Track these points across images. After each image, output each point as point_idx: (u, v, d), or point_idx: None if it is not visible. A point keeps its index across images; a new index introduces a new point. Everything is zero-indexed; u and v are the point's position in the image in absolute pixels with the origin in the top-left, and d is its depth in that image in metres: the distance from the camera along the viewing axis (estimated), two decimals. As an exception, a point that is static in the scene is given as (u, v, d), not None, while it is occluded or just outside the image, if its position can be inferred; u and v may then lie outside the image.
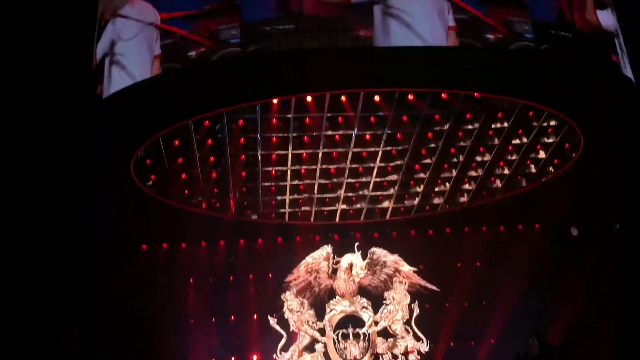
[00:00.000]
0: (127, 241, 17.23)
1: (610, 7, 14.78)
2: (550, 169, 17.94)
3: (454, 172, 18.47)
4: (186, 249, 19.53)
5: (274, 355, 18.46)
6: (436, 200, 19.91)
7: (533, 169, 18.20)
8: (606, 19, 14.48)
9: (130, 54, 13.44)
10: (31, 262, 14.76)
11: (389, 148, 17.33)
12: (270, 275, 19.59)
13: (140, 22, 13.48)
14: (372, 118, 16.09)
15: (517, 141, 17.08)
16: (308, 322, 18.99)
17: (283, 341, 18.85)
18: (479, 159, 17.91)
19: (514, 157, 17.75)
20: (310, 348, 18.90)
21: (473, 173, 18.64)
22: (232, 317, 18.94)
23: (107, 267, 16.38)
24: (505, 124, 16.26)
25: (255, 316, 18.95)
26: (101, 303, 16.26)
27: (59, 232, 15.34)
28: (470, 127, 16.52)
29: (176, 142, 15.78)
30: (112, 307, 16.32)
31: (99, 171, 14.70)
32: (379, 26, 12.80)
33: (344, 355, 18.51)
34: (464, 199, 19.75)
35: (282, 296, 19.23)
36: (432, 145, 17.23)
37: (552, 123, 16.21)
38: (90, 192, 15.07)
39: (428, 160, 17.93)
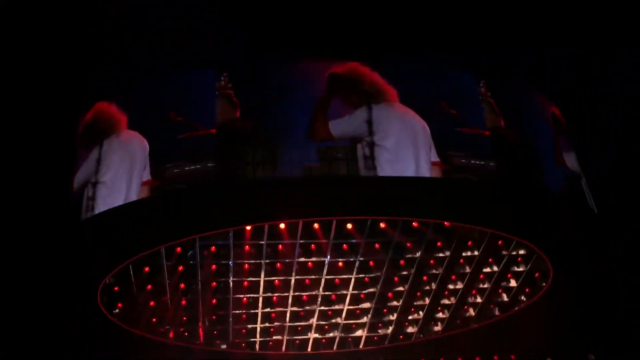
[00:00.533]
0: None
1: (573, 151, 15.80)
2: (522, 297, 17.97)
3: (427, 300, 18.36)
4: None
5: None
6: (410, 329, 19.59)
7: (505, 298, 18.20)
8: (571, 161, 15.45)
9: (115, 180, 13.64)
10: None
11: (361, 275, 17.28)
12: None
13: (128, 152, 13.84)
14: (344, 245, 16.19)
15: (488, 269, 17.22)
16: None
17: None
18: (451, 287, 17.91)
19: (486, 285, 17.82)
20: None
21: (446, 301, 18.55)
22: None
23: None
24: (476, 252, 16.47)
25: None
26: None
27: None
28: (441, 255, 16.68)
29: (146, 269, 15.55)
30: None
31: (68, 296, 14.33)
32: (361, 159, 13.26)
33: None
34: (438, 327, 19.48)
35: None
36: (405, 272, 17.24)
37: (522, 252, 16.48)
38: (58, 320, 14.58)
39: (401, 288, 17.86)
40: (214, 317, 18.21)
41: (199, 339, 18.58)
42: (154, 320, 17.58)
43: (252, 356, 19.24)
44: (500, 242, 16.06)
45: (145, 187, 13.44)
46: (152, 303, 16.83)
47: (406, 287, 17.72)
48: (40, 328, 15.09)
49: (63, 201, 14.20)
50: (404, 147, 13.38)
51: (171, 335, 18.19)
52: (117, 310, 16.50)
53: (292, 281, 17.10)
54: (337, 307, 18.44)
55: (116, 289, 15.91)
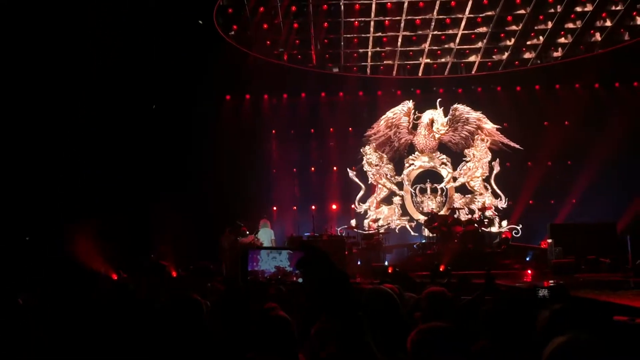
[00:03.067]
0: (211, 91, 17.57)
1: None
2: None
3: (550, 24, 17.19)
4: (268, 101, 19.77)
5: (352, 206, 19.19)
6: (527, 55, 18.81)
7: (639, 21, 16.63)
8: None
9: None
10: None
11: (480, -3, 16.24)
12: (350, 129, 19.72)
13: None
14: (464, -36, 14.96)
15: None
16: (386, 175, 19.41)
17: (361, 193, 19.48)
18: (579, 9, 16.51)
19: (618, 7, 16.22)
20: (387, 200, 19.48)
21: (571, 25, 17.30)
22: (313, 169, 19.47)
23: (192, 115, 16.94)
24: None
25: (334, 168, 19.42)
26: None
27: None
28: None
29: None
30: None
31: (182, 20, 14.68)
32: None
33: (420, 208, 19.02)
34: (557, 53, 18.55)
35: (361, 149, 19.59)
36: (528, -7, 15.98)
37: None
38: (174, 43, 15.20)
39: (522, 11, 16.71)
40: (325, 41, 18.27)
41: (312, 61, 18.99)
42: (268, 43, 17.98)
43: (364, 79, 19.57)
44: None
45: None
46: (265, 26, 17.02)
47: (528, 9, 16.53)
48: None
49: None
50: None
51: (285, 57, 18.67)
52: (233, 32, 16.93)
53: (405, 4, 16.40)
54: (451, 31, 17.80)
55: (230, 10, 16.10)
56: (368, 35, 17.77)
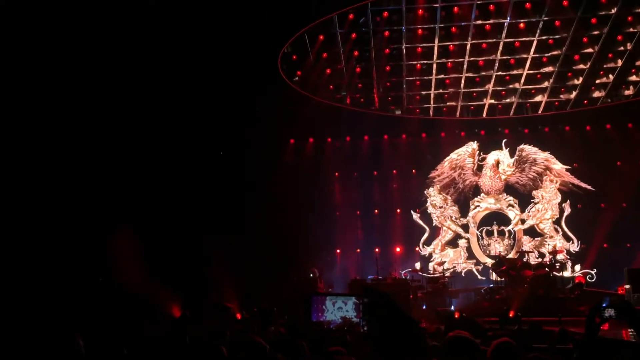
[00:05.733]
0: (275, 135, 17.94)
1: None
2: None
3: (620, 62, 16.74)
4: (331, 144, 19.98)
5: (417, 248, 18.91)
6: (596, 94, 18.31)
7: None
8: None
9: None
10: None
11: (545, 37, 16.01)
12: (414, 170, 19.62)
13: None
14: (527, 4, 14.84)
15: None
16: (451, 217, 19.09)
17: (426, 235, 19.21)
18: (650, 46, 16.03)
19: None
20: (453, 243, 19.11)
21: (642, 63, 16.80)
22: (376, 211, 19.39)
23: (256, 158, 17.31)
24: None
25: (398, 210, 19.28)
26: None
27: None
28: (642, 10, 14.71)
29: (321, 37, 15.78)
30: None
31: (247, 68, 15.18)
32: None
33: (487, 252, 18.53)
34: (629, 92, 17.97)
35: (425, 192, 19.39)
36: (596, 32, 15.63)
37: None
38: (241, 90, 15.70)
39: (590, 50, 16.36)
40: (387, 84, 18.42)
41: (374, 104, 19.15)
42: (331, 87, 18.28)
43: (426, 121, 19.52)
44: None
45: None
46: (328, 71, 17.35)
47: (596, 48, 16.18)
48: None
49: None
50: None
51: (348, 100, 18.91)
52: (297, 78, 17.35)
53: (468, 46, 16.38)
54: (515, 72, 17.59)
55: (294, 57, 16.54)
56: (430, 77, 17.79)
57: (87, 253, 13.00)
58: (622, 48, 16.24)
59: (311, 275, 15.01)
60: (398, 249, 18.23)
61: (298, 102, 17.38)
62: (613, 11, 14.83)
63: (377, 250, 17.69)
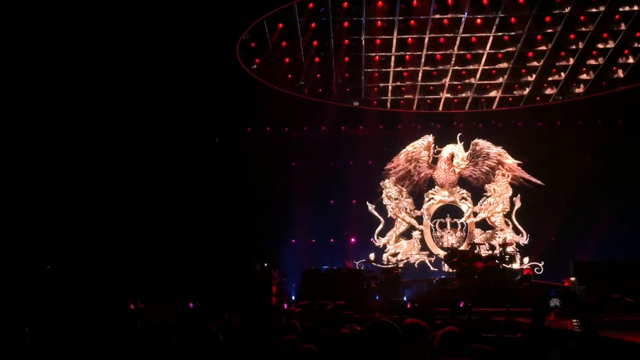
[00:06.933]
0: (232, 124, 17.76)
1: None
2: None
3: (571, 61, 17.19)
4: (288, 133, 19.89)
5: (371, 239, 19.05)
6: (548, 91, 18.77)
7: (661, 59, 16.55)
8: None
9: None
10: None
11: (500, 34, 16.30)
12: (370, 162, 19.72)
13: None
14: (484, 0, 15.07)
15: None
16: (406, 209, 19.28)
17: (380, 226, 19.35)
18: (600, 46, 16.49)
19: (640, 45, 16.20)
20: (407, 235, 19.32)
21: (593, 62, 17.26)
22: (332, 202, 19.42)
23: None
24: (636, 7, 14.68)
25: (354, 201, 19.36)
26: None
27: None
28: (594, 10, 15.09)
29: (280, 26, 15.66)
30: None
31: (204, 54, 14.95)
32: None
33: (440, 243, 18.81)
34: (579, 89, 18.48)
35: (381, 183, 19.52)
36: (550, 30, 16.00)
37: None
38: (197, 76, 15.46)
39: (543, 47, 16.74)
40: (346, 75, 18.44)
41: (332, 95, 19.15)
42: (289, 76, 18.18)
43: (384, 113, 19.63)
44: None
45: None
46: (287, 60, 17.24)
47: (549, 46, 16.56)
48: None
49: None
50: None
51: (306, 91, 18.85)
52: (255, 66, 17.18)
53: (426, 39, 16.53)
54: (471, 67, 17.86)
55: (253, 45, 16.37)
56: (389, 69, 17.90)
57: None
58: (574, 47, 16.66)
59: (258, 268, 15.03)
60: (353, 240, 18.33)
61: (255, 90, 17.24)
62: (567, 10, 15.18)
63: (331, 240, 17.74)
